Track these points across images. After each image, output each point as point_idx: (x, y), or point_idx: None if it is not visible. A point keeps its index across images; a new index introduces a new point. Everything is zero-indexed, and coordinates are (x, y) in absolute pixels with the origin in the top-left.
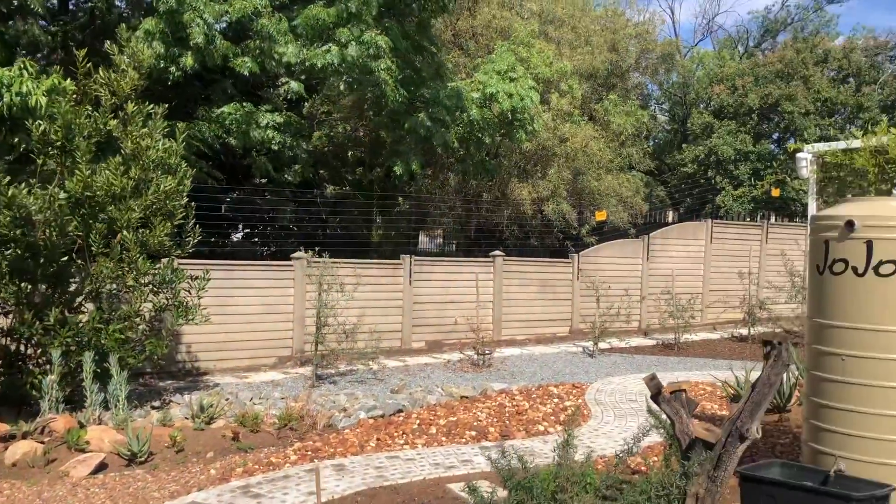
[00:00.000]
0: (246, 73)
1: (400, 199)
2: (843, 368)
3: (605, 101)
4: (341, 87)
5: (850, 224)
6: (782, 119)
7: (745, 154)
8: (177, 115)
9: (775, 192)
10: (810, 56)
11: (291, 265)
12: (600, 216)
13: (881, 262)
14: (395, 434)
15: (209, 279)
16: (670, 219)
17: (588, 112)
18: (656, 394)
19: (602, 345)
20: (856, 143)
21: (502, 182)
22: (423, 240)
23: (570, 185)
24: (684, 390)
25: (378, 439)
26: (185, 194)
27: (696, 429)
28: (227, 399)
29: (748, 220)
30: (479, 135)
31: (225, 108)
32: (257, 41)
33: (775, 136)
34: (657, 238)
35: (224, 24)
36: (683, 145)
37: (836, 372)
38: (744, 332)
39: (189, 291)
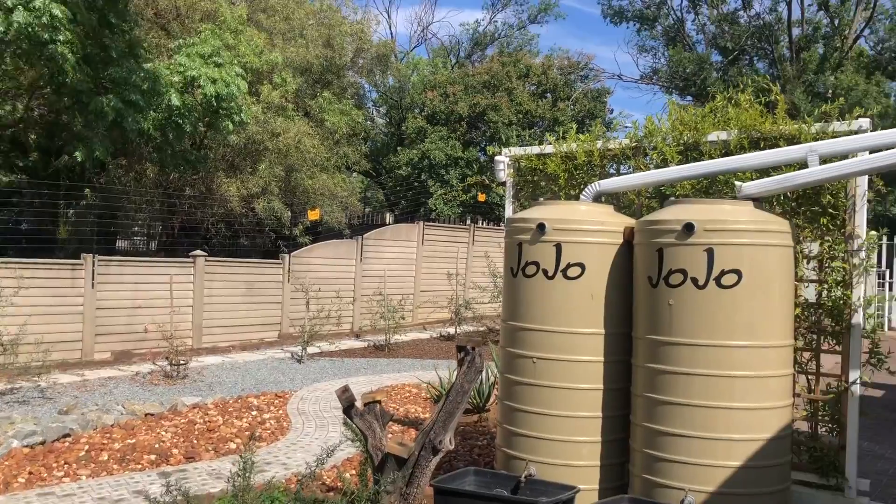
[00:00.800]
0: None
1: (87, 191)
2: (535, 371)
3: (320, 97)
4: (7, 60)
5: (541, 227)
6: (489, 127)
7: (455, 159)
8: None
9: (481, 197)
10: (514, 70)
11: None
12: (313, 215)
13: (569, 265)
14: (55, 465)
15: None
16: (389, 221)
17: (303, 108)
18: (349, 407)
19: (312, 349)
20: (549, 149)
21: (208, 176)
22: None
23: (283, 182)
24: (379, 402)
25: (31, 473)
26: None
27: (390, 443)
28: None
29: (458, 223)
30: (180, 121)
31: None
32: None
33: (482, 143)
34: (371, 239)
35: None
36: (399, 148)
37: (527, 375)
38: (451, 331)
39: None
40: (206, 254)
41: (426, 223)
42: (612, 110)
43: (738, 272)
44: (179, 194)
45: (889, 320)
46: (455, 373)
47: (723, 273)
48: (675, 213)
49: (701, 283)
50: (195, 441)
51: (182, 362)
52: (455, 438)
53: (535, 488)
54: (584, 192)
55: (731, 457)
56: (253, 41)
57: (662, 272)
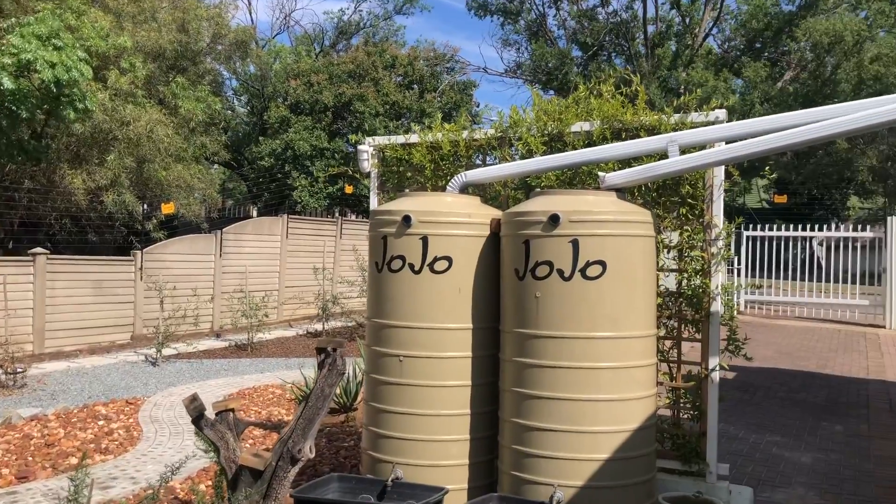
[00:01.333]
0: None
1: None
2: (401, 370)
3: (173, 83)
4: None
5: (406, 219)
6: (355, 118)
7: (321, 150)
8: None
9: (349, 189)
10: (380, 60)
11: None
12: (167, 209)
13: (436, 259)
14: None
15: None
16: (254, 214)
17: (156, 95)
18: (198, 417)
19: (168, 351)
20: (414, 139)
21: (51, 168)
22: None
23: (135, 174)
24: (232, 410)
25: None
26: None
27: (244, 455)
28: None
29: (326, 215)
30: (14, 108)
31: None
32: None
33: (349, 134)
34: (231, 233)
35: None
36: (261, 138)
37: (393, 374)
38: (319, 327)
39: None
40: (47, 251)
41: (290, 216)
42: (479, 103)
43: (602, 263)
44: (17, 187)
45: (738, 305)
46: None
47: (588, 264)
48: (540, 205)
49: (567, 274)
50: (30, 458)
51: (19, 370)
52: (320, 441)
53: (402, 492)
54: (450, 184)
55: (598, 449)
56: (98, 23)
57: (529, 264)
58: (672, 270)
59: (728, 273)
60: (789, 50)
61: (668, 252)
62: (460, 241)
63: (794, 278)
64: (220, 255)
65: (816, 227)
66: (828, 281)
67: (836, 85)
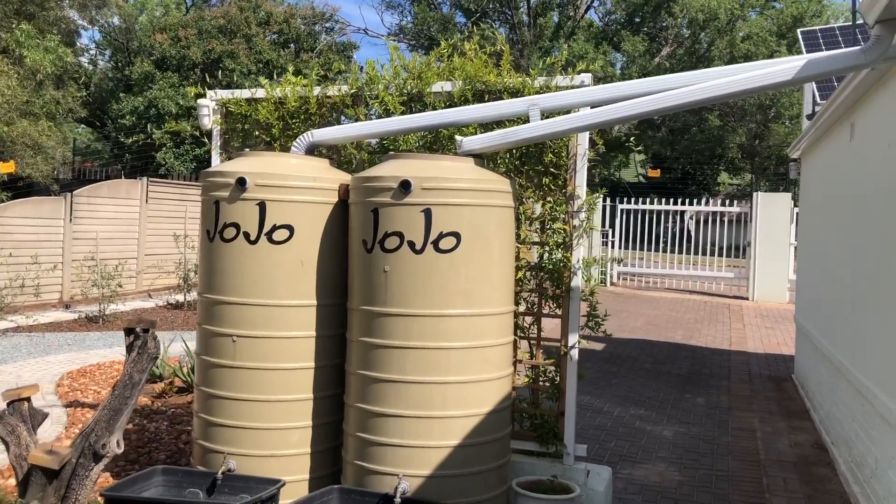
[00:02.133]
0: None
1: None
2: (235, 351)
3: (17, 30)
4: None
5: (241, 182)
6: (225, 76)
7: (188, 109)
8: None
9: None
10: (254, 16)
11: None
12: (6, 168)
13: (275, 227)
14: None
15: None
16: (124, 177)
17: None
18: None
19: (5, 324)
20: (261, 93)
21: None
22: None
23: None
24: (27, 399)
25: None
26: None
27: (35, 452)
28: None
29: (193, 179)
30: None
31: None
32: None
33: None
34: (83, 196)
35: None
36: (122, 95)
37: (227, 356)
38: (180, 298)
39: None
40: None
41: (152, 179)
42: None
43: (457, 235)
44: None
45: (611, 276)
46: (172, 343)
47: (441, 236)
48: (391, 170)
49: (418, 247)
50: None
51: None
52: (161, 424)
53: (234, 485)
54: (295, 144)
55: (448, 436)
56: None
57: (378, 235)
58: (534, 243)
59: (603, 245)
60: (667, 25)
61: (531, 224)
62: (304, 207)
63: (665, 251)
64: (71, 220)
65: (688, 201)
66: (697, 253)
67: (710, 62)
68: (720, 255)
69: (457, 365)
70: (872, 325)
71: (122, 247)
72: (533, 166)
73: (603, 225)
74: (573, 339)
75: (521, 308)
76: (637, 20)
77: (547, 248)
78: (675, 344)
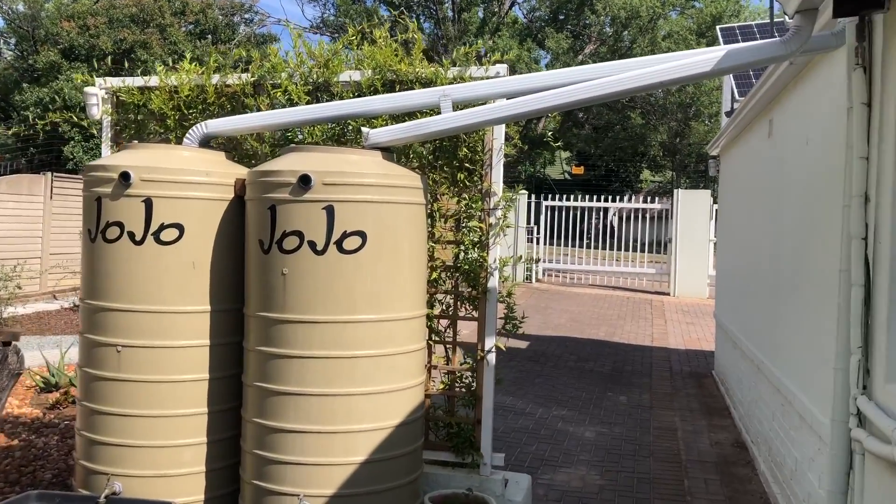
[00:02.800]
0: None
1: None
2: (120, 362)
3: None
4: None
5: (125, 176)
6: (137, 67)
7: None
8: None
9: None
10: (168, 6)
11: None
12: None
13: (163, 226)
14: None
15: None
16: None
17: None
18: None
19: None
20: (154, 81)
21: None
22: None
23: None
24: None
25: None
26: None
27: None
28: None
29: None
30: None
31: None
32: None
33: None
34: None
35: None
36: (25, 86)
37: (111, 367)
38: None
39: None
40: None
41: (57, 174)
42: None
43: (362, 234)
44: None
45: (536, 273)
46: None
47: (345, 235)
48: (290, 163)
49: (320, 248)
50: None
51: None
52: (51, 439)
53: None
54: (187, 135)
55: (353, 452)
56: None
57: (275, 235)
58: (449, 242)
59: (528, 242)
60: (591, 23)
61: (446, 222)
62: (195, 204)
63: (590, 247)
64: None
65: (612, 198)
66: (620, 250)
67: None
68: (643, 251)
69: (363, 375)
70: (791, 323)
71: (24, 245)
72: (447, 161)
73: (528, 222)
74: (490, 342)
75: (437, 311)
76: (561, 17)
77: (462, 248)
78: (599, 341)
